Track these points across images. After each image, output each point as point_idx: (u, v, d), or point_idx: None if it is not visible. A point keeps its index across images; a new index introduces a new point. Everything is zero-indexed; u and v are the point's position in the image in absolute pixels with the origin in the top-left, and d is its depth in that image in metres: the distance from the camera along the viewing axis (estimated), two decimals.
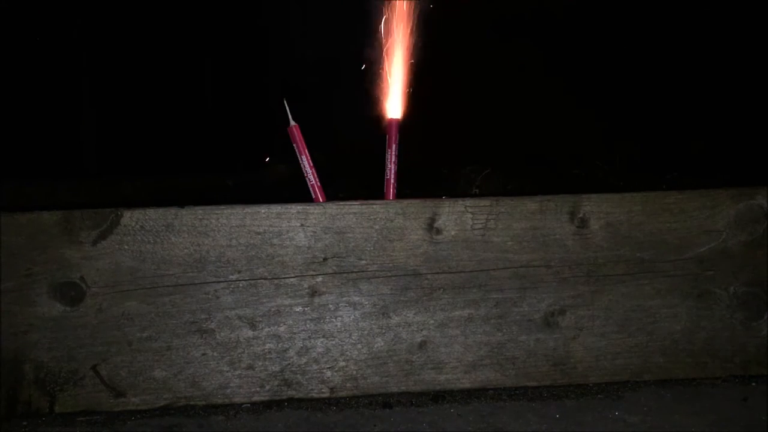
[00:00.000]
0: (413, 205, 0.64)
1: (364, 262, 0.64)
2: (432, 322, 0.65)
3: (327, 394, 0.64)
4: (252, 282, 0.63)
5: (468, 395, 0.65)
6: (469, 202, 0.65)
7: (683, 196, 0.67)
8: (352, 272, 0.64)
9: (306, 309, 0.64)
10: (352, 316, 0.64)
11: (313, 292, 0.64)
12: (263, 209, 0.63)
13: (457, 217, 0.64)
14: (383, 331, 0.65)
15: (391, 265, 0.64)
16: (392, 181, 0.69)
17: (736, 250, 0.67)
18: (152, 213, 0.61)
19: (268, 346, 0.63)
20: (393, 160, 0.69)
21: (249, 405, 0.64)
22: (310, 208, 0.63)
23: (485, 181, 1.09)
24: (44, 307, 0.61)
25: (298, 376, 0.64)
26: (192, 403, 0.63)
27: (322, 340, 0.64)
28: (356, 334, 0.64)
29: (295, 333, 0.64)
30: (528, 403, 0.64)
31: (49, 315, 0.61)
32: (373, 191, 0.80)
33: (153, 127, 2.42)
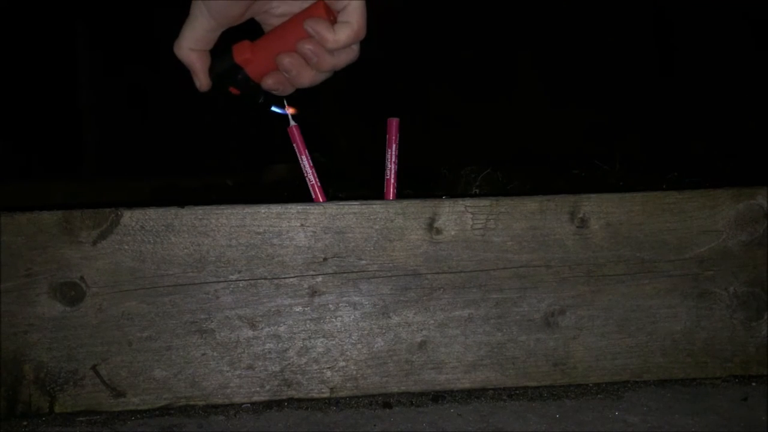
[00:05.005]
0: (413, 205, 0.64)
1: (364, 262, 0.64)
2: (432, 322, 0.65)
3: (327, 394, 0.64)
4: (252, 282, 0.63)
5: (468, 395, 0.65)
6: (469, 202, 0.65)
7: (683, 196, 0.67)
8: (352, 272, 0.64)
9: (306, 309, 0.64)
10: (352, 316, 0.64)
11: (313, 292, 0.64)
12: (263, 209, 0.63)
13: (457, 217, 0.64)
14: (383, 331, 0.65)
15: (391, 265, 0.64)
16: (392, 181, 0.69)
17: (736, 250, 0.67)
18: (152, 213, 0.61)
19: (268, 346, 0.63)
20: (393, 160, 0.69)
21: (249, 405, 0.64)
22: (310, 208, 0.63)
23: (485, 181, 1.09)
24: (44, 307, 0.61)
25: (298, 376, 0.64)
26: (192, 403, 0.63)
27: (322, 340, 0.64)
28: (356, 334, 0.64)
29: (295, 333, 0.64)
30: (528, 403, 0.64)
31: (49, 315, 0.61)
32: (373, 191, 0.80)
33: (153, 128, 2.42)
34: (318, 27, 0.51)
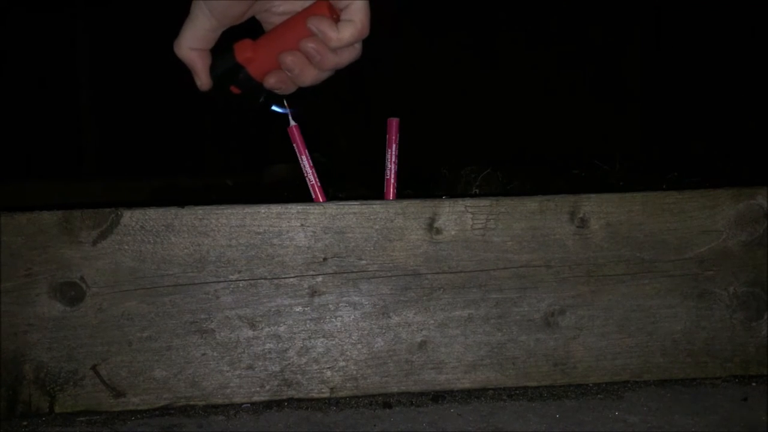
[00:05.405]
0: (413, 205, 0.64)
1: (364, 262, 0.64)
2: (432, 322, 0.65)
3: (327, 394, 0.64)
4: (252, 282, 0.63)
5: (468, 395, 0.65)
6: (469, 202, 0.65)
7: (683, 196, 0.67)
8: (352, 272, 0.64)
9: (306, 309, 0.64)
10: (352, 316, 0.64)
11: (313, 292, 0.64)
12: (263, 209, 0.63)
13: (457, 217, 0.64)
14: (383, 331, 0.65)
15: (391, 265, 0.64)
16: (392, 181, 0.69)
17: (736, 250, 0.67)
18: (152, 213, 0.61)
19: (268, 346, 0.63)
20: (393, 160, 0.69)
21: (249, 405, 0.64)
22: (310, 208, 0.63)
23: (485, 181, 1.09)
24: (44, 307, 0.61)
25: (298, 376, 0.64)
26: (192, 403, 0.63)
27: (322, 340, 0.64)
28: (356, 334, 0.64)
29: (295, 333, 0.64)
30: (528, 403, 0.64)
31: (49, 315, 0.61)
32: (373, 191, 0.80)
33: (153, 128, 2.42)
34: (321, 25, 0.50)
